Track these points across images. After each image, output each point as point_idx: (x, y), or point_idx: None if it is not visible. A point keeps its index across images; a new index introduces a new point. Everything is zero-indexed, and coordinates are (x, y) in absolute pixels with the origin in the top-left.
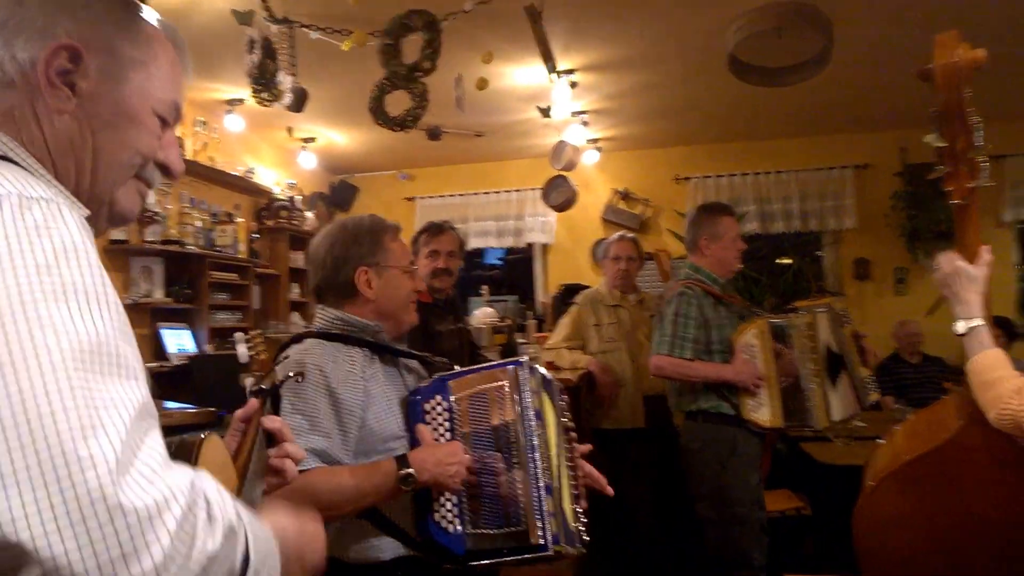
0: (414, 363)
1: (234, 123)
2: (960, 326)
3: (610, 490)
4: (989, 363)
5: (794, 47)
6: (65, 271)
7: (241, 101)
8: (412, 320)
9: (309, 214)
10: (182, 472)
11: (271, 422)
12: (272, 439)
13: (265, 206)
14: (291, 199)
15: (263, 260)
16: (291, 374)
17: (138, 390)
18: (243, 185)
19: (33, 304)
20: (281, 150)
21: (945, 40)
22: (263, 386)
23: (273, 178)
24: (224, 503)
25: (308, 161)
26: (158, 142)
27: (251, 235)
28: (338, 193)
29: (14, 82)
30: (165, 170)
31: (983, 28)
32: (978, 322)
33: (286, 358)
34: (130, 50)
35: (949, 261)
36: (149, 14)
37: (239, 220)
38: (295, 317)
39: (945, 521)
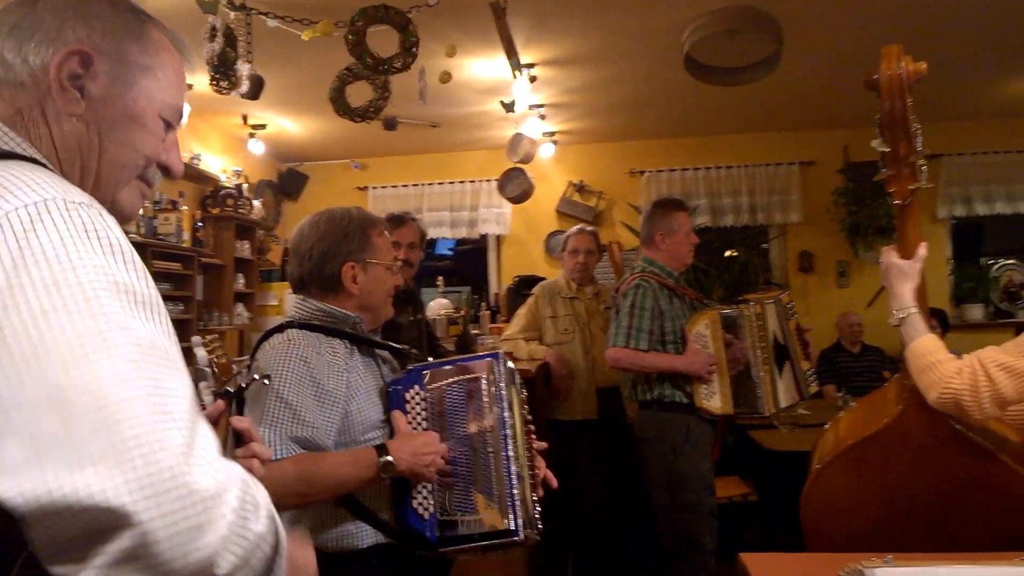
0: (387, 354)
1: None
2: (895, 316)
3: (554, 482)
4: (926, 347)
5: (746, 49)
6: (118, 272)
7: (189, 86)
8: (389, 314)
9: (256, 202)
10: (230, 461)
11: (240, 422)
12: (240, 439)
13: (210, 194)
14: (238, 187)
15: (208, 249)
16: (256, 376)
17: (187, 382)
18: (188, 172)
19: (98, 301)
20: (228, 137)
21: (890, 52)
22: (229, 388)
23: (219, 165)
24: (263, 494)
25: (257, 148)
26: (162, 144)
27: (195, 223)
28: (286, 181)
29: (25, 84)
30: (166, 171)
31: (922, 35)
32: (911, 311)
33: (252, 363)
34: (139, 56)
35: (885, 256)
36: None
37: (184, 208)
38: (239, 308)
39: (885, 498)
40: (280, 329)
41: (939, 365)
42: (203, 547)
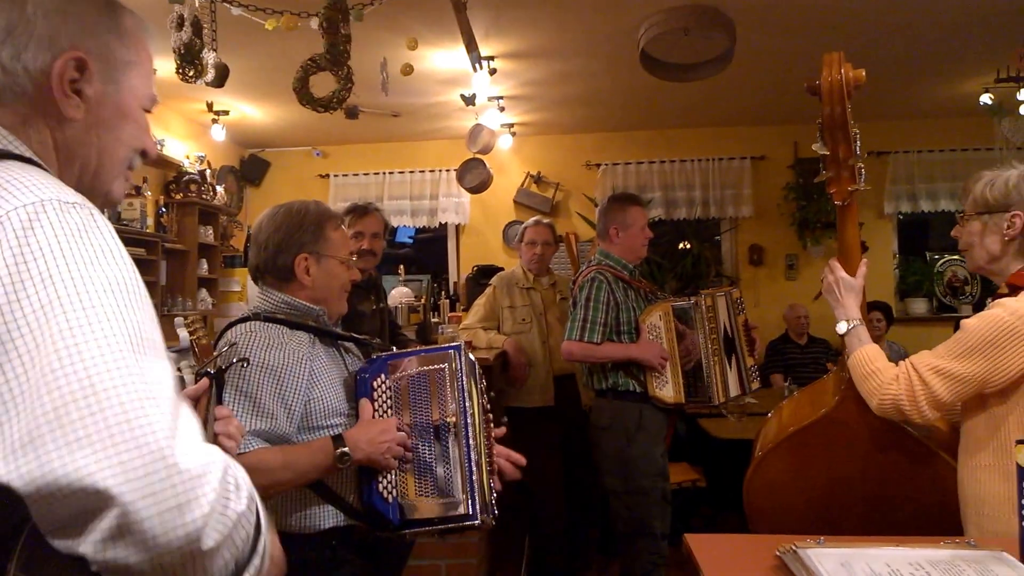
0: (350, 344)
1: None
2: (842, 327)
3: (521, 465)
4: (868, 356)
5: (700, 46)
6: (108, 268)
7: (153, 71)
8: (342, 309)
9: (219, 188)
10: (212, 445)
11: (223, 411)
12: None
13: (173, 179)
14: (201, 173)
15: (171, 235)
16: (235, 360)
17: (170, 370)
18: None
19: (88, 295)
20: (192, 122)
21: (831, 60)
22: (209, 369)
23: (183, 151)
24: (244, 476)
25: (219, 134)
26: (145, 134)
27: (159, 209)
28: (249, 168)
29: (27, 92)
30: (143, 154)
31: (870, 36)
32: (857, 323)
33: (230, 345)
34: (121, 52)
35: (833, 271)
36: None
37: (147, 193)
38: (203, 294)
39: (821, 483)
40: (244, 321)
41: (878, 373)
42: (188, 523)
